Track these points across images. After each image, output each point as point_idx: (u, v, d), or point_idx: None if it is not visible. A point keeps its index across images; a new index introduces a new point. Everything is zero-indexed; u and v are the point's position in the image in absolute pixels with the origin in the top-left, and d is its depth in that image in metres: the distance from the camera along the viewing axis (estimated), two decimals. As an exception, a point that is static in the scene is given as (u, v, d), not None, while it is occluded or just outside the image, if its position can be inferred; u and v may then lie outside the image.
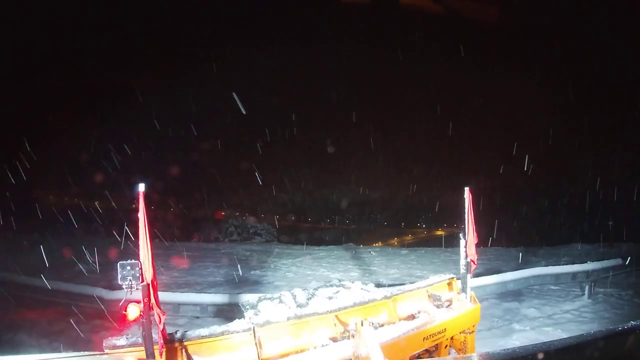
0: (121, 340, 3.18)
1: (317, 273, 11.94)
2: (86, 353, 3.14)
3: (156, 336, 2.98)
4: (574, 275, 10.27)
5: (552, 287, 9.83)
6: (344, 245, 17.74)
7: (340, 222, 37.95)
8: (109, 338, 3.21)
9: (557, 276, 10.18)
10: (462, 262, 4.63)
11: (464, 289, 4.66)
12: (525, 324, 7.47)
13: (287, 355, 3.53)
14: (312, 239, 19.96)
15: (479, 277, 9.05)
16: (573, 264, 10.81)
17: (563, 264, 10.95)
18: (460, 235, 4.67)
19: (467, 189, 4.56)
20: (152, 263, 2.87)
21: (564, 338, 1.91)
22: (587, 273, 10.18)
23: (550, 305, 8.39)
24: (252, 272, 12.13)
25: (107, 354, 3.07)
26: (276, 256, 14.85)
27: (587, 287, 9.01)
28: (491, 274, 9.62)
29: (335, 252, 15.55)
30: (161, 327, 2.94)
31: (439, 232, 37.76)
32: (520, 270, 10.06)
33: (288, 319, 3.70)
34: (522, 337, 6.86)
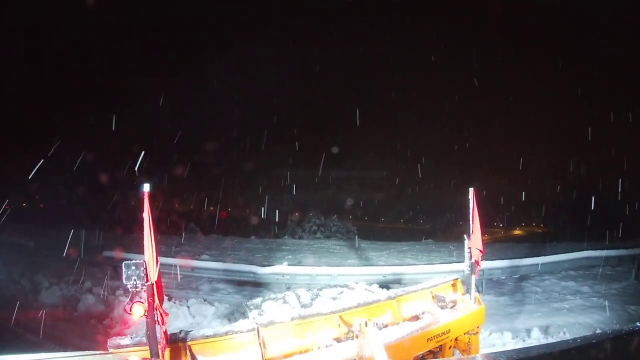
0: (125, 340, 3.21)
1: (404, 262, 13.09)
2: (90, 352, 3.16)
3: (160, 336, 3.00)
4: (620, 258, 11.22)
5: (608, 272, 10.83)
6: (423, 242, 18.44)
7: (414, 222, 38.59)
8: (114, 337, 3.24)
9: (606, 259, 11.12)
10: (467, 263, 4.62)
11: (468, 290, 4.64)
12: (577, 296, 8.92)
13: (290, 355, 3.53)
14: (390, 236, 20.74)
15: (536, 258, 10.46)
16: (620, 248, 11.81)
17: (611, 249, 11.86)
18: (465, 236, 4.65)
19: (471, 189, 4.54)
20: (157, 263, 2.89)
21: (568, 339, 1.89)
22: (633, 257, 11.08)
23: (601, 285, 9.69)
24: (349, 261, 13.29)
25: (111, 353, 3.09)
26: (363, 250, 15.72)
27: (634, 270, 10.26)
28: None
29: (417, 247, 16.45)
30: (164, 327, 2.96)
31: (517, 232, 37.47)
32: (573, 253, 11.09)
33: (292, 319, 3.70)
34: (572, 304, 8.28)
